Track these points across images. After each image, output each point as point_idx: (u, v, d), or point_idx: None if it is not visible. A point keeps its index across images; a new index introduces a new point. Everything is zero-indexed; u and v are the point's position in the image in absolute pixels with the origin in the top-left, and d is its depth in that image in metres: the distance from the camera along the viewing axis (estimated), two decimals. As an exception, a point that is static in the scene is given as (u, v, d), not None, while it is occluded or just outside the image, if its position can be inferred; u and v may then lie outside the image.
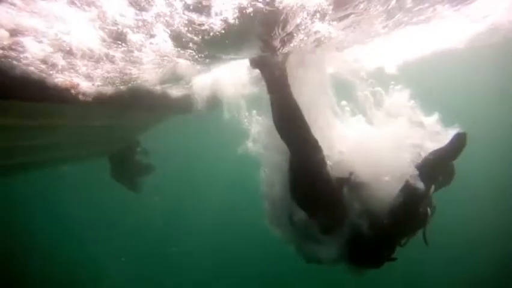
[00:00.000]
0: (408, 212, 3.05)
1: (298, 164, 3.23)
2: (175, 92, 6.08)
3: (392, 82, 3.60)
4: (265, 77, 3.32)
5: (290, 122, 3.22)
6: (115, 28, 3.59)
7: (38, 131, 5.68)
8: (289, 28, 3.46)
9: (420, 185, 2.98)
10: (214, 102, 4.70)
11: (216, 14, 3.27)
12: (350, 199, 3.18)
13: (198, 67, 4.74)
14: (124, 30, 3.65)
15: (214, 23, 3.40)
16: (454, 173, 3.40)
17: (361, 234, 3.08)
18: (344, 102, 3.66)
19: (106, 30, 3.66)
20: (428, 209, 3.19)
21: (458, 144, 3.05)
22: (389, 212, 3.03)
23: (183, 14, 3.29)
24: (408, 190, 3.00)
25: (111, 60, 4.53)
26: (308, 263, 3.47)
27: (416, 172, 3.02)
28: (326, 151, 3.28)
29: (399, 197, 3.02)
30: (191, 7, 3.19)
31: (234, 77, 4.05)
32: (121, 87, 5.20)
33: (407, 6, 3.82)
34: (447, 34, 6.14)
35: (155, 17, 3.41)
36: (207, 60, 4.39)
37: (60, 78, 4.76)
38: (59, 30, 3.65)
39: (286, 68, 3.35)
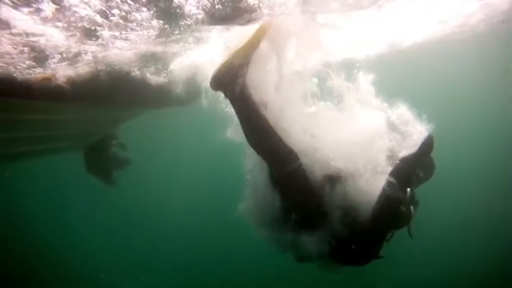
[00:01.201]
0: (389, 218, 3.24)
1: (276, 173, 3.40)
2: (155, 78, 6.23)
3: (357, 64, 3.75)
4: (229, 97, 3.33)
5: (262, 137, 3.30)
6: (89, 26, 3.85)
7: (14, 124, 5.75)
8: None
9: (397, 193, 3.11)
10: (194, 88, 4.80)
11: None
12: (331, 196, 3.31)
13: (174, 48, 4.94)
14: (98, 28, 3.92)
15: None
16: (434, 166, 3.63)
17: (342, 231, 3.23)
18: (315, 80, 3.73)
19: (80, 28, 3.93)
20: (411, 207, 3.29)
21: (425, 148, 3.30)
22: (371, 215, 3.18)
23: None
24: (385, 199, 3.14)
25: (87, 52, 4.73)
26: (300, 262, 3.62)
27: (391, 179, 3.18)
28: (299, 137, 3.44)
29: (377, 205, 3.14)
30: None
31: (212, 62, 4.07)
32: (99, 68, 5.39)
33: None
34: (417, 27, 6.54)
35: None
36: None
37: (37, 73, 4.86)
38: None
39: (248, 86, 3.35)
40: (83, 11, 3.63)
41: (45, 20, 3.69)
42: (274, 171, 3.39)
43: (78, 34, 4.17)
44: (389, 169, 3.35)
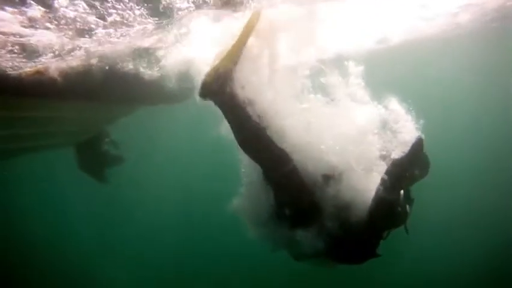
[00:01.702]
0: (385, 219, 3.31)
1: (271, 176, 3.46)
2: (148, 72, 6.25)
3: (348, 61, 3.72)
4: (219, 105, 3.34)
5: (253, 142, 3.35)
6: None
7: (7, 121, 5.75)
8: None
9: (391, 196, 3.18)
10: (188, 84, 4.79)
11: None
12: (325, 194, 3.37)
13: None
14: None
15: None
16: (429, 164, 3.65)
17: (338, 229, 3.29)
18: (306, 72, 3.73)
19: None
20: (407, 206, 3.36)
21: (415, 151, 3.34)
22: (367, 216, 3.24)
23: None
24: (380, 202, 3.19)
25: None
26: (297, 260, 3.68)
27: (384, 183, 3.21)
28: (293, 133, 3.47)
29: (373, 206, 3.21)
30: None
31: (207, 56, 4.11)
32: (92, 61, 5.41)
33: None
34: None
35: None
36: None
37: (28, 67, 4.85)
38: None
39: (237, 90, 3.36)
40: (73, 13, 3.69)
41: (34, 21, 3.73)
42: (267, 173, 3.45)
43: (70, 33, 4.21)
44: (382, 166, 3.42)
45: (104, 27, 4.19)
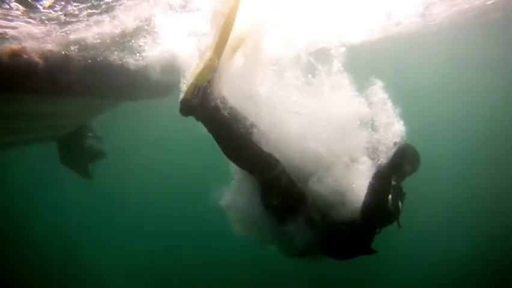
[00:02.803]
0: (377, 220, 3.36)
1: (258, 180, 3.49)
2: (133, 62, 6.19)
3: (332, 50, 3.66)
4: (200, 119, 3.30)
5: (238, 151, 3.37)
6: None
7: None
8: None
9: (380, 201, 3.20)
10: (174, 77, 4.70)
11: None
12: (315, 191, 3.40)
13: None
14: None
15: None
16: (419, 160, 3.72)
17: (328, 225, 3.33)
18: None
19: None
20: (399, 203, 3.36)
21: (398, 159, 3.32)
22: (360, 216, 3.26)
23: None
24: (370, 207, 3.20)
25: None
26: (291, 258, 3.70)
27: (372, 189, 3.21)
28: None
29: (363, 208, 3.21)
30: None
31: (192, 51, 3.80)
32: (74, 48, 5.29)
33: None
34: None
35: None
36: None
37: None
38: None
39: (219, 104, 3.31)
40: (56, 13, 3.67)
41: (16, 16, 3.73)
42: (255, 176, 3.49)
43: (54, 26, 4.15)
44: (368, 162, 3.46)
45: (97, 15, 4.15)
